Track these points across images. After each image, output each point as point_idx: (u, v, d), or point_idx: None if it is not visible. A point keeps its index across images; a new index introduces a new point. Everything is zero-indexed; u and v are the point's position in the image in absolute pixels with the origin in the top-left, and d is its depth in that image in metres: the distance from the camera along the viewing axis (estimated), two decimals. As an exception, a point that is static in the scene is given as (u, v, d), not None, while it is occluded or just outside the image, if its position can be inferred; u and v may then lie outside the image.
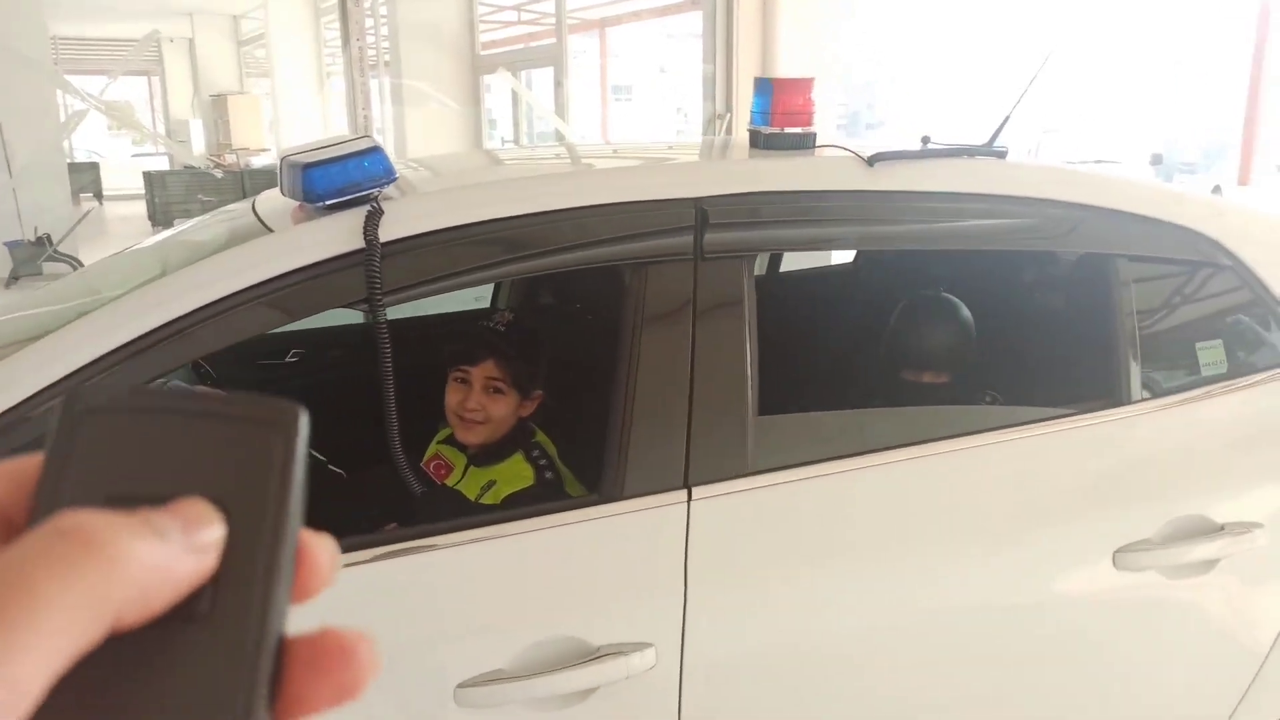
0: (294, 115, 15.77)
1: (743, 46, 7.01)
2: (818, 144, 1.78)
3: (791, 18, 6.63)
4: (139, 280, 1.49)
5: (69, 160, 13.29)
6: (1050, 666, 1.64)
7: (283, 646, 0.29)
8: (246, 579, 0.29)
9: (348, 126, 4.92)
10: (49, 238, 9.47)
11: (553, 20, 9.66)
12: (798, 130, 1.77)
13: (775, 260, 2.99)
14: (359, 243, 1.40)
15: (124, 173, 16.93)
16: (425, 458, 1.96)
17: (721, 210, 1.53)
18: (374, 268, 1.38)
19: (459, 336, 1.90)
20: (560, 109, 8.66)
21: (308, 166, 1.45)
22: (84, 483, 0.28)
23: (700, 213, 1.52)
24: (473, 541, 1.39)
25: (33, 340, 1.33)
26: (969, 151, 1.77)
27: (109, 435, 0.29)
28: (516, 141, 10.94)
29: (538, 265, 1.50)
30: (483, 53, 11.01)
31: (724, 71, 7.18)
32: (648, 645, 1.41)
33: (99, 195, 16.25)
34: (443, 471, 1.92)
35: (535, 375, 1.87)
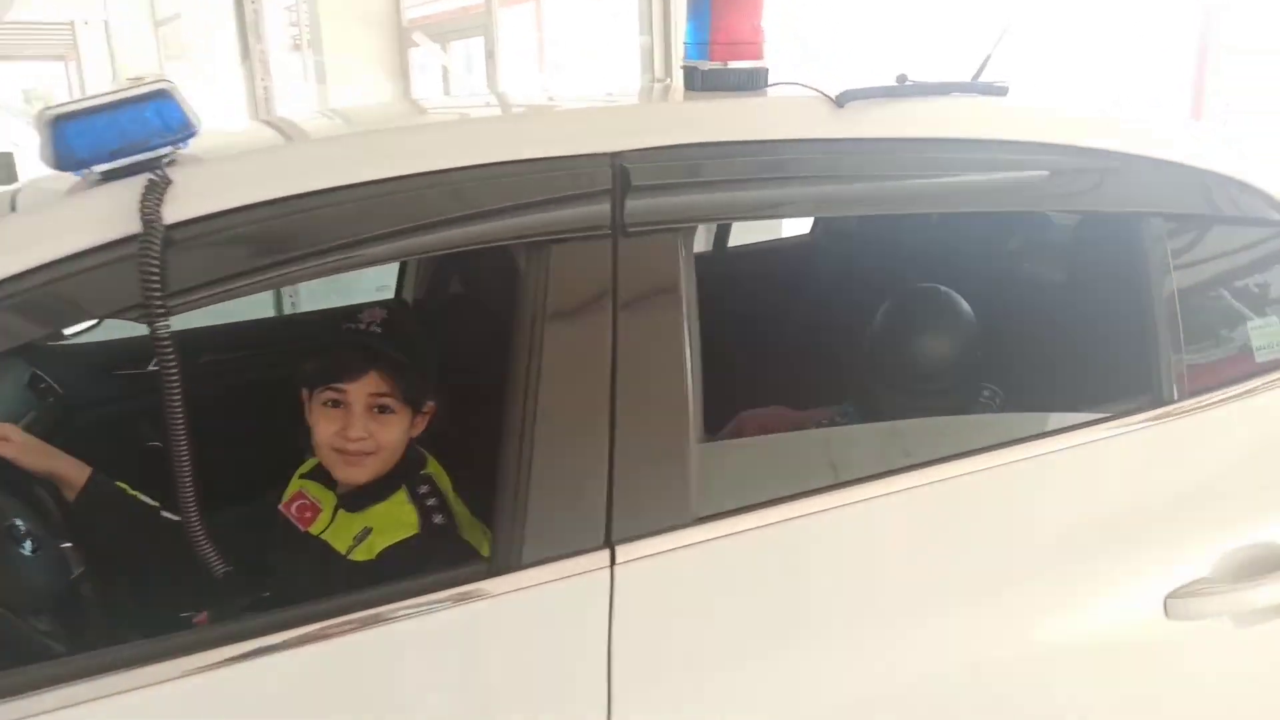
0: (214, 96, 15.03)
1: (681, 15, 6.61)
2: (770, 81, 1.39)
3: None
4: None
5: (-24, 150, 12.47)
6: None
7: None
8: None
9: (246, 100, 4.44)
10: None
11: (481, -9, 9.14)
12: (745, 65, 1.37)
13: (721, 234, 2.59)
14: (135, 225, 0.99)
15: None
16: (286, 497, 1.54)
17: (648, 168, 1.14)
18: (151, 260, 0.97)
19: (323, 348, 1.48)
20: (491, 81, 8.18)
21: (61, 120, 1.03)
22: None
23: (620, 172, 1.13)
24: (306, 642, 0.99)
25: None
26: (961, 88, 1.39)
27: None
28: (449, 118, 10.42)
29: (394, 250, 1.09)
30: (410, 26, 10.46)
31: (662, 43, 6.80)
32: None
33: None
34: (308, 515, 1.51)
35: (426, 384, 1.48)
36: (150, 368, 2.23)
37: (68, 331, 1.97)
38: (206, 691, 0.98)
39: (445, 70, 10.01)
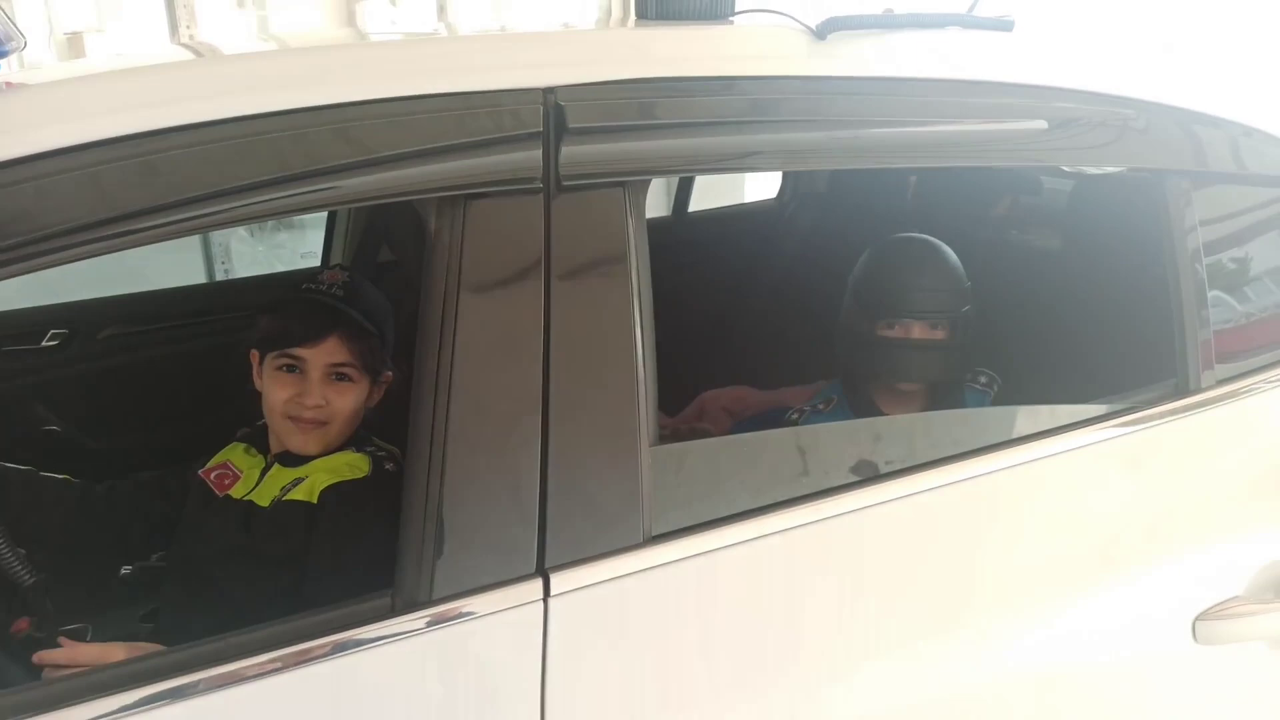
0: (155, 53, 14.45)
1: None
2: (737, 9, 1.17)
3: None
4: None
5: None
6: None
7: None
8: None
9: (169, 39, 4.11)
10: None
11: (434, -59, 8.75)
12: (708, -11, 1.15)
13: (681, 196, 2.38)
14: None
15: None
16: (207, 466, 1.42)
17: (589, 107, 0.92)
18: None
19: (280, 309, 1.37)
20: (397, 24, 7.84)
21: None
22: None
23: (554, 111, 0.91)
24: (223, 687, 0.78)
25: None
26: (960, 21, 1.19)
27: None
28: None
29: (264, 207, 0.85)
30: (357, -23, 10.02)
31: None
32: None
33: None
34: (226, 481, 1.39)
35: (384, 352, 1.40)
36: (45, 343, 2.00)
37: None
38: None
39: (394, 25, 9.65)
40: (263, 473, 1.38)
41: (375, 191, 0.88)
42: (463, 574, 0.86)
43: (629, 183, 0.95)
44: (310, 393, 1.32)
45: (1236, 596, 1.09)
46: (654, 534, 0.91)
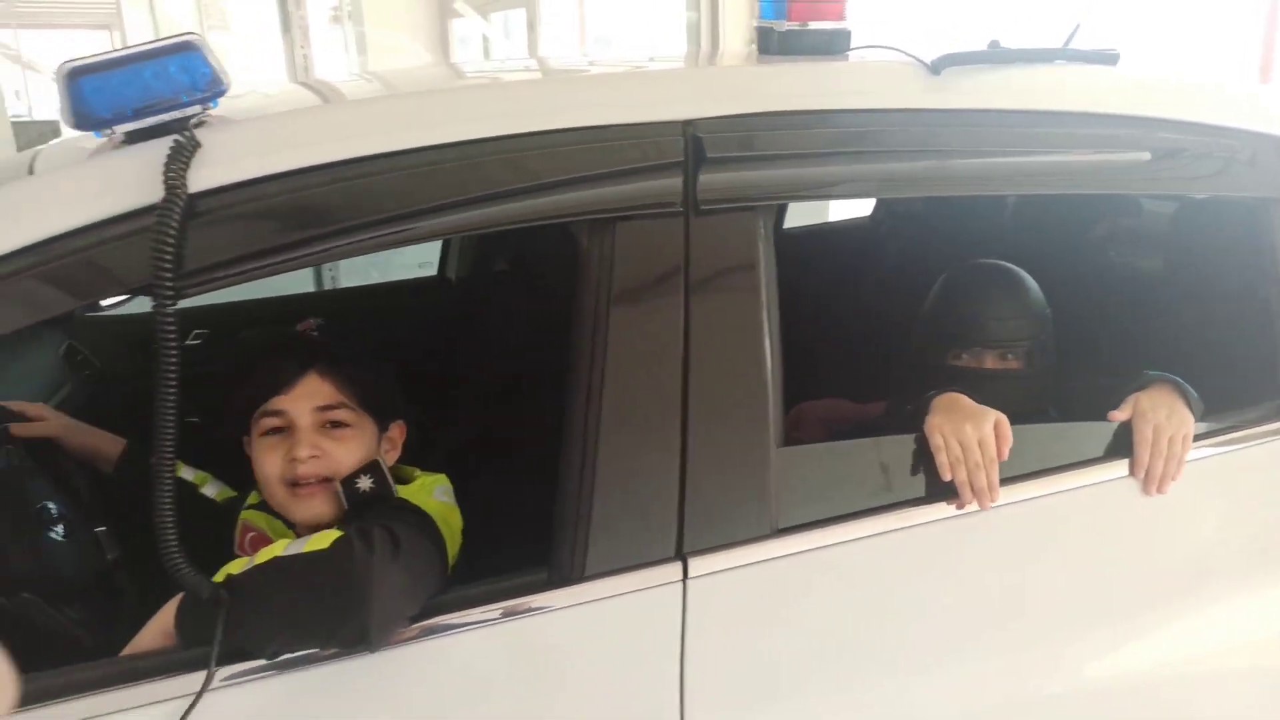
0: (256, 69, 15.05)
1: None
2: (853, 45, 1.25)
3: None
4: None
5: (28, 120, 12.60)
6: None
7: None
8: None
9: (286, 70, 4.36)
10: None
11: (523, -40, 8.98)
12: (826, 26, 1.24)
13: (778, 214, 2.45)
14: (159, 192, 0.89)
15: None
16: (236, 536, 1.27)
17: (724, 139, 1.02)
18: (169, 233, 0.86)
19: (252, 363, 1.21)
20: (533, 52, 8.06)
21: (78, 73, 0.92)
22: None
23: (693, 142, 1.01)
24: (350, 656, 0.89)
25: None
26: (1068, 55, 1.25)
27: None
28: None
29: (445, 224, 0.98)
30: (451, -3, 10.34)
31: (709, 19, 6.65)
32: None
33: (55, 156, 15.53)
34: (260, 545, 1.18)
35: (389, 393, 1.24)
36: (190, 341, 2.16)
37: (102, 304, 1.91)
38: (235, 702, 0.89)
39: (486, 40, 9.91)
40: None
41: (536, 214, 0.99)
42: (610, 555, 0.96)
43: (759, 207, 1.04)
44: (301, 443, 1.13)
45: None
46: (780, 527, 1.00)
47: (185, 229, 0.87)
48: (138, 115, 0.94)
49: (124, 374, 1.96)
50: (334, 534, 0.93)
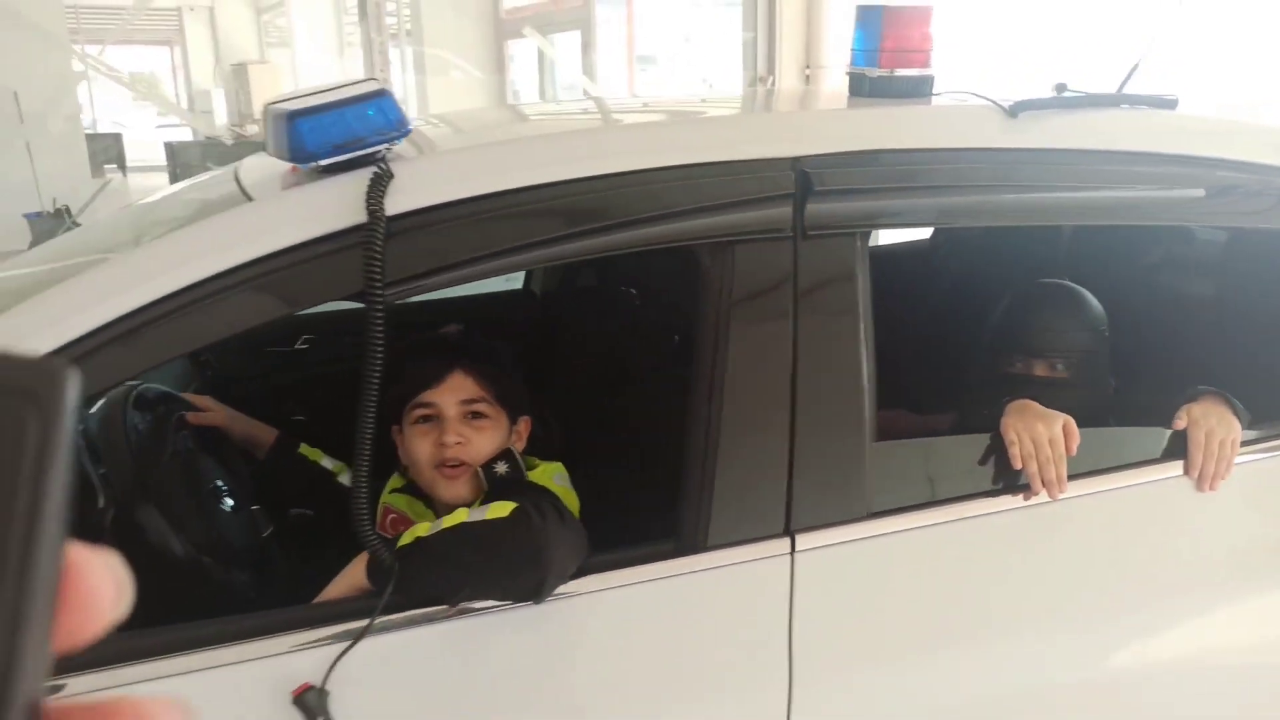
0: (315, 84, 15.48)
1: (787, 14, 6.61)
2: (936, 90, 1.41)
3: (839, -26, 6.21)
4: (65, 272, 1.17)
5: (91, 131, 13.09)
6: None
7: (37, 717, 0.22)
8: None
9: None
10: (68, 209, 9.23)
11: (578, -16, 9.25)
12: (913, 73, 1.40)
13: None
14: (359, 216, 1.06)
15: (148, 144, 16.71)
16: (377, 518, 1.39)
17: (829, 174, 1.18)
18: (375, 249, 1.04)
19: (403, 364, 1.34)
20: (589, 73, 8.28)
21: (295, 115, 1.11)
22: None
23: (801, 176, 1.17)
24: (513, 608, 1.06)
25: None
26: (1131, 100, 1.40)
27: None
28: (544, 110, 10.55)
29: (591, 245, 1.15)
30: (506, 18, 10.62)
31: (765, 38, 6.80)
32: (739, 743, 1.09)
33: (122, 166, 16.07)
34: (402, 528, 1.30)
35: (520, 392, 1.41)
36: (298, 346, 2.36)
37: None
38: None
39: (551, 62, 10.14)
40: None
41: (667, 238, 1.15)
42: (729, 530, 1.12)
43: (858, 232, 1.20)
44: (449, 430, 1.29)
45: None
46: (874, 510, 1.15)
47: (386, 247, 1.05)
48: (336, 151, 1.13)
49: (237, 374, 2.16)
50: (510, 505, 1.10)
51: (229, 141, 12.82)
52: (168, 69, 23.92)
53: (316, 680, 1.00)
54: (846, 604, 1.15)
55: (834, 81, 6.05)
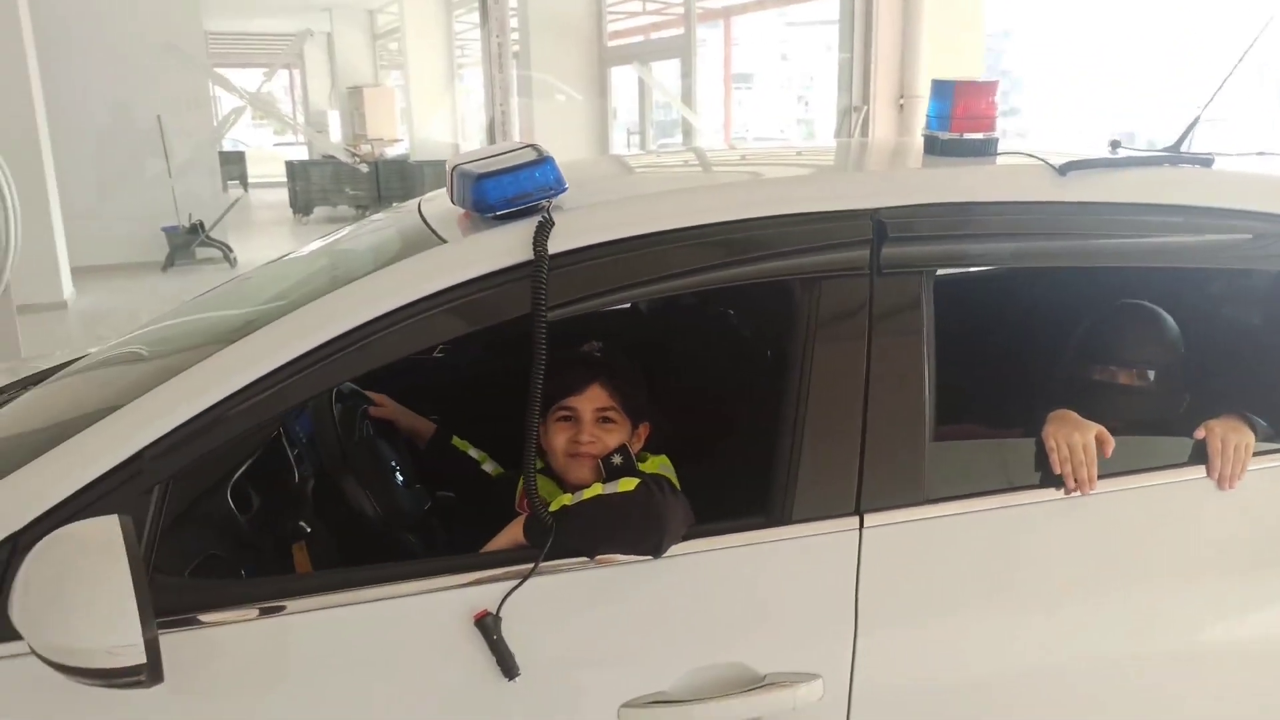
0: (425, 107, 16.22)
1: (882, 33, 6.74)
2: (1000, 150, 1.67)
3: (935, 3, 6.36)
4: (312, 286, 1.52)
5: (218, 150, 14.02)
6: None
7: None
8: None
9: (485, 120, 4.99)
10: (201, 224, 10.00)
11: (678, 10, 9.59)
12: (979, 136, 1.67)
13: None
14: (529, 254, 1.38)
15: (267, 161, 17.74)
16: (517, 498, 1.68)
17: (900, 222, 1.46)
18: (541, 280, 1.36)
19: (554, 372, 1.57)
20: (688, 100, 8.60)
21: (481, 177, 1.44)
22: None
23: (878, 225, 1.45)
24: (636, 561, 1.36)
25: (218, 342, 1.37)
26: (1170, 160, 1.64)
27: None
28: (643, 134, 10.93)
29: (705, 279, 1.45)
30: (609, 44, 11.05)
31: (861, 60, 6.94)
32: (815, 676, 1.36)
33: (245, 183, 17.06)
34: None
35: (642, 403, 1.72)
36: (434, 355, 2.72)
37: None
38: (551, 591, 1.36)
39: (649, 89, 10.53)
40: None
41: (768, 274, 1.44)
42: (810, 508, 1.40)
43: (924, 271, 1.47)
44: (584, 431, 1.61)
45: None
46: (930, 497, 1.42)
47: (549, 279, 1.36)
48: (511, 204, 1.45)
49: (385, 379, 2.51)
50: (635, 481, 1.41)
51: (362, 167, 13.55)
52: (285, 90, 25.33)
53: (492, 609, 1.32)
54: (903, 571, 1.41)
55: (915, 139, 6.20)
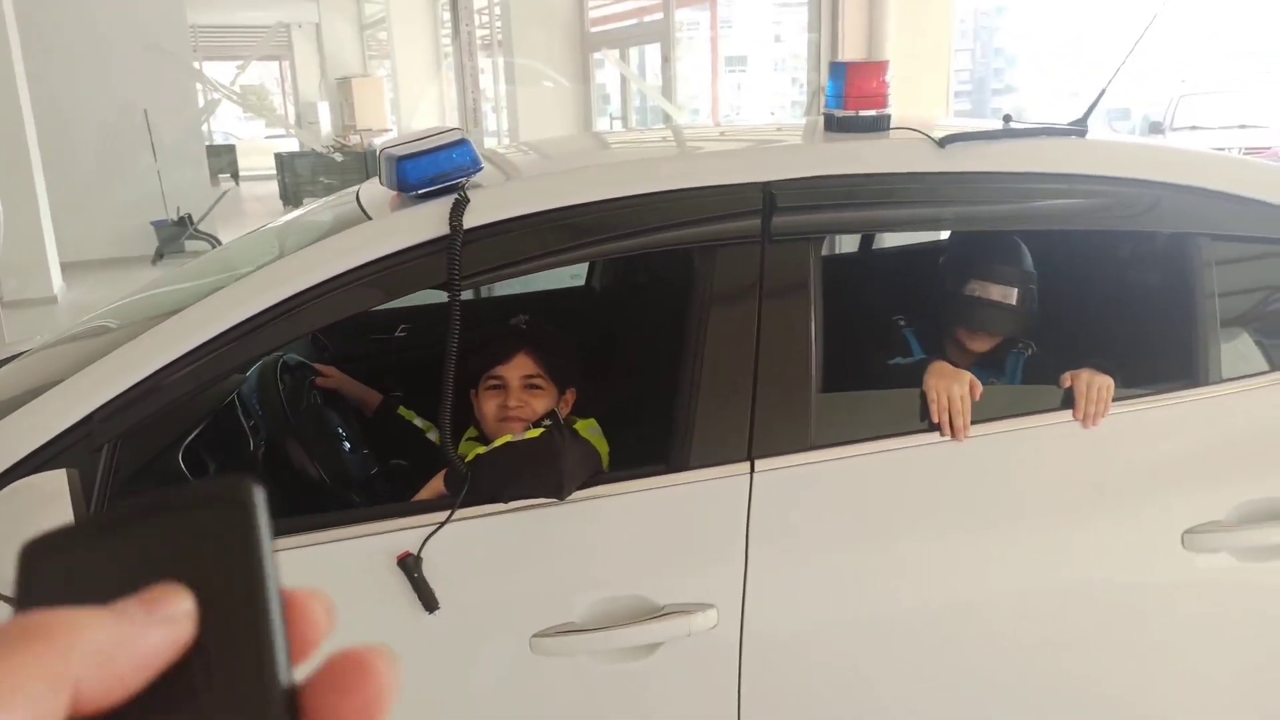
0: (413, 96, 16.28)
1: (849, 13, 6.83)
2: (893, 125, 1.80)
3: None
4: (257, 263, 1.66)
5: (207, 143, 14.11)
6: (1118, 646, 1.65)
7: (294, 698, 0.30)
8: (236, 645, 0.30)
9: (458, 109, 5.11)
10: (190, 217, 10.12)
11: (660, -6, 9.65)
12: (871, 113, 1.80)
13: (867, 239, 3.00)
14: (446, 229, 1.51)
15: (258, 154, 17.82)
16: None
17: (789, 194, 1.59)
18: (455, 252, 1.49)
19: (483, 345, 1.84)
20: (667, 86, 8.69)
21: (401, 159, 1.57)
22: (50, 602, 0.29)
23: (768, 196, 1.58)
24: (547, 505, 1.50)
25: (169, 316, 1.50)
26: (1046, 131, 1.76)
27: (70, 565, 0.31)
28: (625, 119, 11.04)
29: (611, 249, 1.60)
30: (592, 30, 11.13)
31: (829, 40, 7.03)
32: (710, 606, 1.50)
33: (235, 176, 17.14)
34: None
35: (569, 370, 1.87)
36: (396, 334, 2.86)
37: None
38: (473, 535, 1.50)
39: (624, 78, 10.62)
40: None
41: (666, 244, 1.58)
42: (705, 455, 1.53)
43: (812, 238, 1.60)
44: (512, 396, 1.76)
45: (1216, 520, 1.60)
46: (815, 443, 1.56)
47: (463, 250, 1.50)
48: (431, 183, 1.59)
49: (350, 354, 2.66)
50: (540, 430, 1.55)
51: (337, 157, 13.66)
52: (275, 83, 25.37)
53: (414, 550, 1.46)
54: (790, 512, 1.55)
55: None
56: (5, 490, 1.29)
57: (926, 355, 1.75)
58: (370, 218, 1.63)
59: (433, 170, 1.57)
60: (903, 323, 2.11)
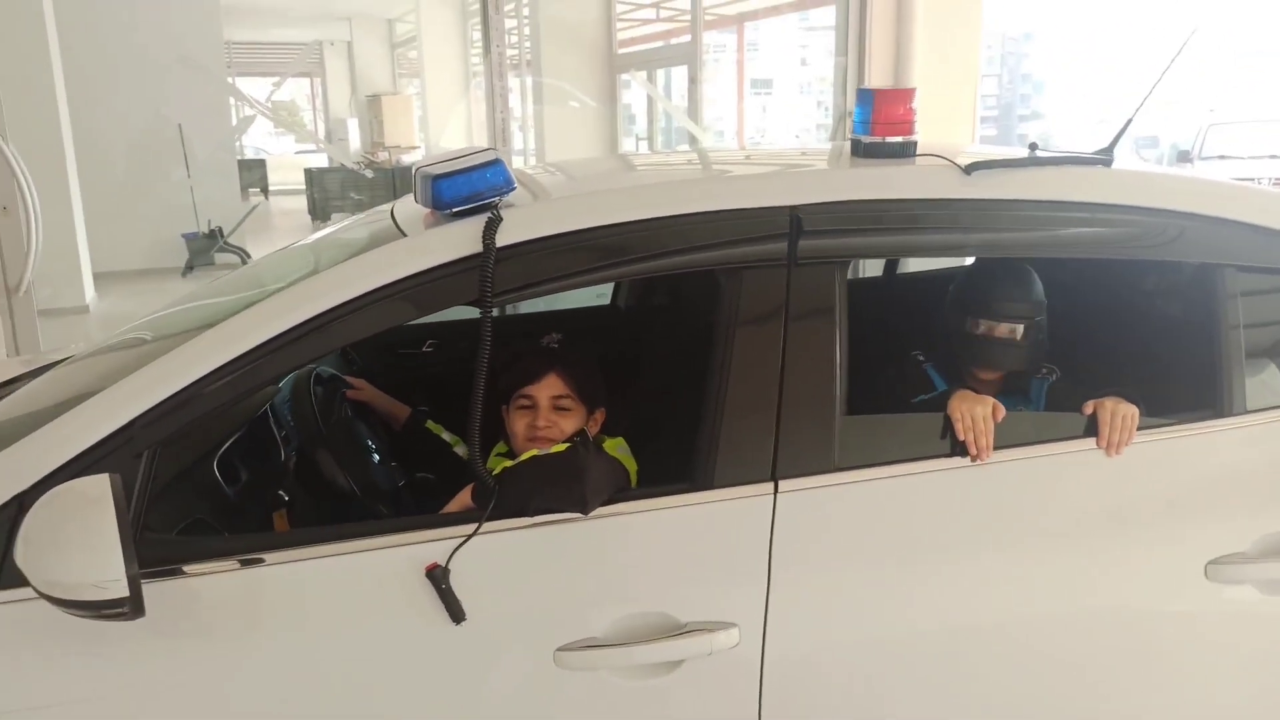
0: (442, 114, 16.47)
1: (876, 37, 6.86)
2: (919, 152, 1.82)
3: (928, 4, 6.47)
4: (292, 278, 1.70)
5: (238, 158, 14.32)
6: (1136, 674, 1.65)
7: None
8: None
9: (486, 128, 5.18)
10: (220, 230, 10.26)
11: (688, 17, 9.74)
12: (898, 139, 1.82)
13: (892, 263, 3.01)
14: (478, 246, 1.55)
15: (288, 169, 18.05)
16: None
17: (815, 218, 1.61)
18: (487, 270, 1.52)
19: (514, 363, 1.87)
20: (693, 108, 8.75)
21: (436, 178, 1.61)
22: None
23: (794, 220, 1.60)
24: (573, 520, 1.52)
25: (205, 328, 1.54)
26: (1071, 160, 1.78)
27: None
28: (651, 140, 11.11)
29: (640, 269, 1.62)
30: (620, 51, 11.23)
31: (855, 64, 7.05)
32: (732, 625, 1.52)
33: (265, 190, 17.34)
34: None
35: (598, 390, 1.89)
36: (424, 349, 2.90)
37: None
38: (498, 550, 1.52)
39: (650, 99, 10.71)
40: None
41: (694, 265, 1.60)
42: (730, 474, 1.55)
43: (837, 262, 1.62)
44: (541, 416, 1.79)
45: (1241, 552, 1.59)
46: (840, 465, 1.57)
47: (495, 268, 1.53)
48: (465, 202, 1.62)
49: (375, 369, 2.70)
50: (565, 445, 1.58)
51: (367, 173, 13.82)
52: (306, 99, 25.72)
53: (442, 562, 1.48)
54: (814, 532, 1.56)
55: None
56: (49, 494, 1.32)
57: (949, 387, 1.77)
58: (405, 234, 1.67)
59: (467, 189, 1.61)
60: (921, 358, 2.12)
